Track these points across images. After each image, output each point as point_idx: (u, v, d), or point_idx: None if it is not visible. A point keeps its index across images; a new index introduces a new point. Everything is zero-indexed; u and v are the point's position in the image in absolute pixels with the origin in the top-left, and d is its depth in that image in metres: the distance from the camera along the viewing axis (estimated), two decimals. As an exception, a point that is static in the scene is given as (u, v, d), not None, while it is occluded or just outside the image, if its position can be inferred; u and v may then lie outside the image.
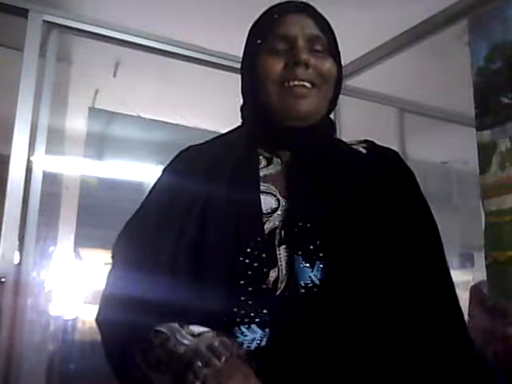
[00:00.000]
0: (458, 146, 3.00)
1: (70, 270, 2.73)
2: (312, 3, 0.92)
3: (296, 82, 0.83)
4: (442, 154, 3.72)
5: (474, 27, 1.74)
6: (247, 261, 0.77)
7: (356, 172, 0.86)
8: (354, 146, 0.93)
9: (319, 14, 0.91)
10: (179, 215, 0.83)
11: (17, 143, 1.68)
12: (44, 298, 1.97)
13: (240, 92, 0.96)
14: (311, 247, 0.78)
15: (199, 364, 0.65)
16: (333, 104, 0.93)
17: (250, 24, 0.95)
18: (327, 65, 0.87)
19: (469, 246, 3.66)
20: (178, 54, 2.11)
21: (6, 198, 1.63)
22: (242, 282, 0.76)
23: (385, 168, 0.89)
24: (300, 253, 0.77)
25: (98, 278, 3.29)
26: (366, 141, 0.95)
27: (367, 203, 0.82)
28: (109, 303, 0.83)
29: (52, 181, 2.20)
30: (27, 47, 1.75)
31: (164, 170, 0.95)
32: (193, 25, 2.30)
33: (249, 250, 0.77)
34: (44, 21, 1.80)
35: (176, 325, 0.73)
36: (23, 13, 1.77)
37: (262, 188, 0.83)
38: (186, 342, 0.70)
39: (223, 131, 0.98)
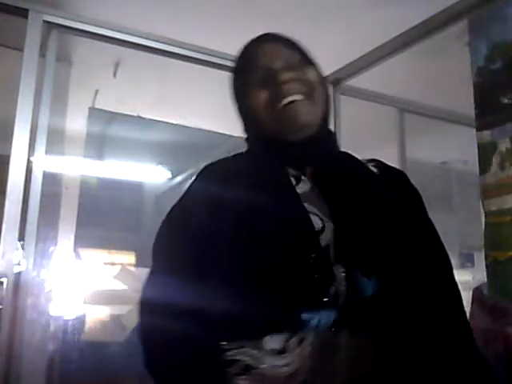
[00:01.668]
0: (458, 145, 3.01)
1: (70, 270, 2.73)
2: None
3: (285, 101, 0.88)
4: (442, 154, 3.73)
5: (474, 27, 1.74)
6: (307, 279, 0.80)
7: (374, 189, 0.92)
8: (365, 164, 0.98)
9: (282, 36, 0.97)
10: (225, 233, 0.84)
11: (17, 143, 1.68)
12: (44, 297, 1.97)
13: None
14: (365, 261, 0.83)
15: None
16: (326, 113, 0.96)
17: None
18: (308, 73, 0.92)
19: (469, 246, 3.66)
20: (178, 54, 2.10)
21: (6, 198, 1.63)
22: (303, 299, 0.80)
23: (397, 189, 0.96)
24: (357, 267, 0.82)
25: (97, 277, 3.29)
26: (373, 160, 1.00)
27: (389, 217, 0.88)
28: (162, 316, 0.82)
29: (52, 181, 2.20)
30: (27, 47, 1.74)
31: (195, 182, 0.94)
32: (193, 25, 2.30)
33: (306, 268, 0.80)
34: (44, 21, 1.80)
35: (248, 349, 0.76)
36: (23, 13, 1.77)
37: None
38: (279, 362, 0.74)
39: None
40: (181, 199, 0.93)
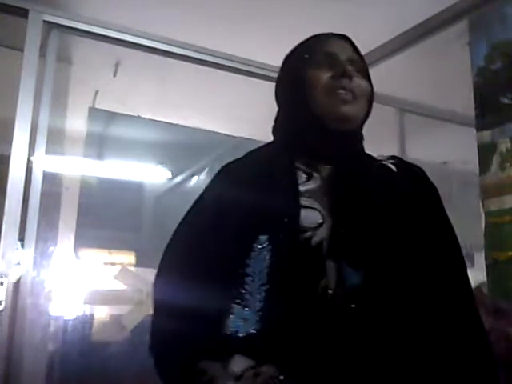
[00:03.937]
0: (458, 145, 3.00)
1: (70, 270, 2.73)
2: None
3: (341, 91, 0.95)
4: (442, 154, 3.72)
5: (474, 27, 1.74)
6: (296, 274, 0.84)
7: (388, 187, 0.95)
8: (384, 162, 1.02)
9: (355, 44, 1.04)
10: (224, 231, 0.89)
11: (17, 143, 1.68)
12: (44, 297, 1.97)
13: (277, 106, 1.05)
14: (356, 254, 0.85)
15: None
16: (364, 120, 1.04)
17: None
18: (364, 83, 1.00)
19: (469, 246, 3.66)
20: (178, 54, 2.11)
21: (6, 197, 1.63)
22: (294, 292, 0.83)
23: (413, 185, 0.99)
24: (346, 260, 0.85)
25: (98, 277, 3.29)
26: (393, 157, 1.04)
27: (400, 215, 0.91)
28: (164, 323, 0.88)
29: (52, 181, 2.20)
30: (27, 47, 1.75)
31: (208, 188, 1.02)
32: (193, 25, 2.30)
33: (296, 261, 0.84)
34: (44, 21, 1.80)
35: (219, 365, 0.80)
36: (23, 13, 1.77)
37: (303, 203, 0.89)
38: None
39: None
40: (197, 199, 1.01)
